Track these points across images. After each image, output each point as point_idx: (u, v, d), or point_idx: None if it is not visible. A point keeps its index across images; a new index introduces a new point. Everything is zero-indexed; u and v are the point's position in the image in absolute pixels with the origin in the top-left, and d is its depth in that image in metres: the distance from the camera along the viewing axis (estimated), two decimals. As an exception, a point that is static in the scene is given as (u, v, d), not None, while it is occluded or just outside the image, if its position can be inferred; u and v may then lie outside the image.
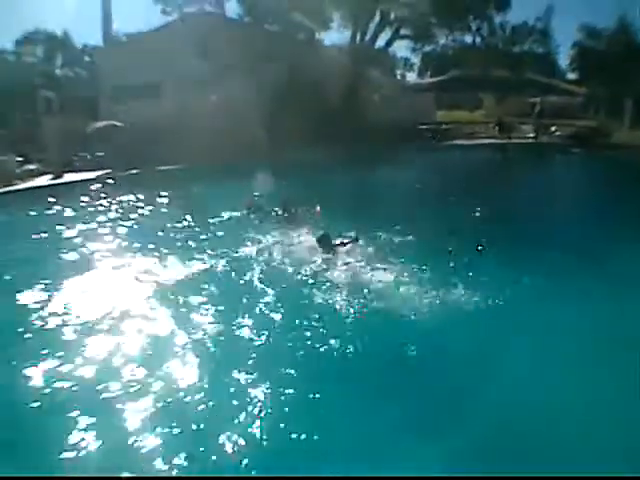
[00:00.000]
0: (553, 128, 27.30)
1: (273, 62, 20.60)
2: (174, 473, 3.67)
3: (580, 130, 25.78)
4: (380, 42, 28.26)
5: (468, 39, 31.15)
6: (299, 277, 7.16)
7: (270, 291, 6.68)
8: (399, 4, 25.54)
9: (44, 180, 16.60)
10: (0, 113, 25.57)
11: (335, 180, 15.07)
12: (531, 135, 27.17)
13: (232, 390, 4.57)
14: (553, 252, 8.02)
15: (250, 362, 4.98)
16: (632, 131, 26.12)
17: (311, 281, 6.97)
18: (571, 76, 40.48)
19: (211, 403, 4.42)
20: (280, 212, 10.25)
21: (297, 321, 5.81)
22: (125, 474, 3.73)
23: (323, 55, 25.41)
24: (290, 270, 7.42)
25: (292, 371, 4.87)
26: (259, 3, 24.78)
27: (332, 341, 5.31)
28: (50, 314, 6.02)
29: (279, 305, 6.29)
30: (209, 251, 8.28)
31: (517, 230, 9.89)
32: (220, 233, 9.50)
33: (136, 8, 31.88)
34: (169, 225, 10.01)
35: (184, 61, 20.88)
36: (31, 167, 17.87)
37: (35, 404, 4.39)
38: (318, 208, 10.33)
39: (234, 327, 5.70)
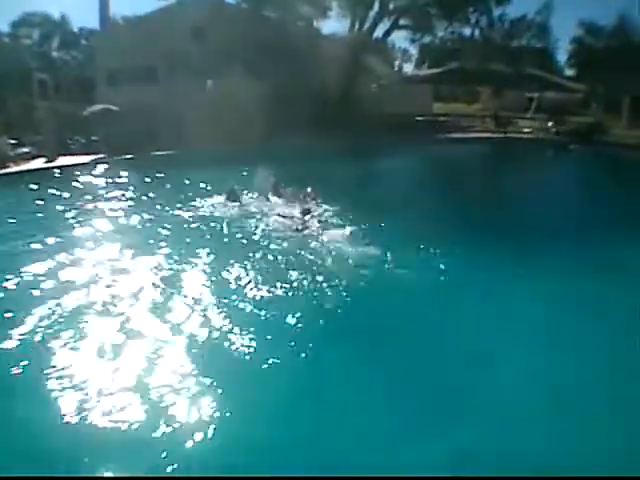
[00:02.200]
0: (550, 124, 27.27)
1: (270, 49, 20.44)
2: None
3: (578, 126, 25.76)
4: (379, 32, 28.11)
5: (467, 31, 31.06)
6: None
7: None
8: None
9: (38, 163, 16.52)
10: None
11: (323, 168, 14.77)
12: (527, 130, 27.16)
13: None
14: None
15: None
16: (629, 128, 26.17)
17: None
18: (569, 72, 40.47)
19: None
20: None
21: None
22: (125, 474, 3.69)
23: (321, 43, 25.25)
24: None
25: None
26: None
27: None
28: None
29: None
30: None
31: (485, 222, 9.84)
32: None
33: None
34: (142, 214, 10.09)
35: (181, 46, 20.75)
36: (25, 150, 17.78)
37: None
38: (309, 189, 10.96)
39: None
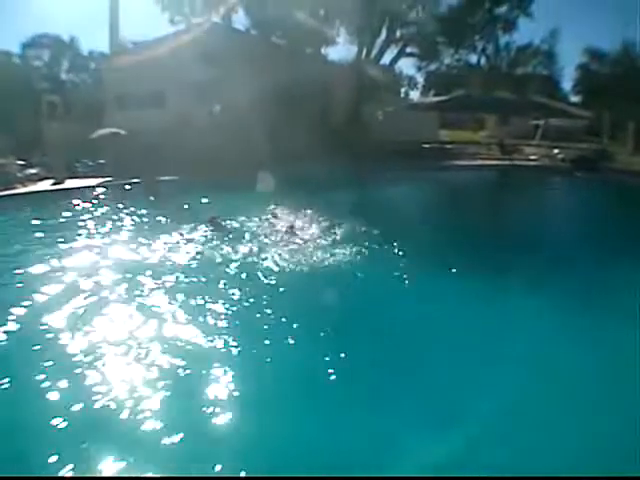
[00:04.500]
0: (556, 151, 27.33)
1: (278, 75, 20.63)
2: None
3: (583, 153, 25.79)
4: (386, 59, 28.41)
5: (473, 59, 31.35)
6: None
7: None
8: (406, 22, 25.75)
9: (46, 185, 16.55)
10: (3, 116, 25.59)
11: (326, 195, 14.80)
12: (533, 157, 27.21)
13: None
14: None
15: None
16: (635, 154, 26.20)
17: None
18: (575, 99, 40.70)
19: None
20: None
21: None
22: (125, 474, 3.70)
23: (328, 70, 25.49)
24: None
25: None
26: (266, 16, 24.87)
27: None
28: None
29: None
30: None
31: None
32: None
33: (144, 16, 31.99)
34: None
35: (189, 71, 20.93)
36: (33, 171, 17.82)
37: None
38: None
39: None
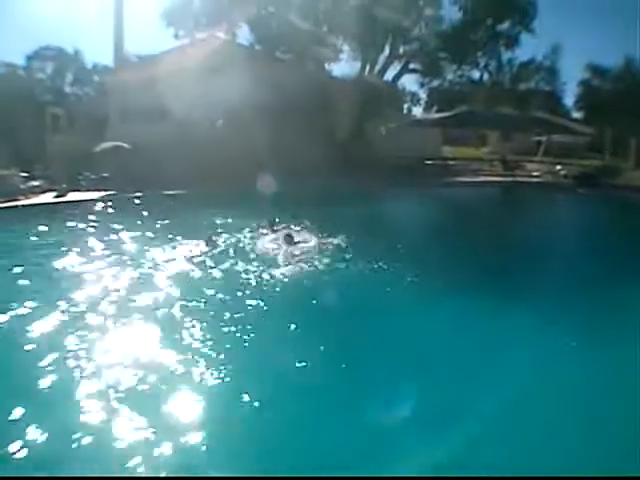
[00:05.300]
0: (558, 167, 27.36)
1: (282, 90, 20.70)
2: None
3: (586, 169, 25.82)
4: (389, 75, 28.53)
5: (475, 75, 31.44)
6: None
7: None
8: (409, 39, 25.92)
9: (48, 197, 16.56)
10: (7, 128, 25.65)
11: (329, 211, 14.70)
12: (536, 173, 27.24)
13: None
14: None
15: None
16: (637, 170, 26.21)
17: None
18: (577, 115, 40.77)
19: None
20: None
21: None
22: (125, 474, 3.69)
23: (332, 85, 25.60)
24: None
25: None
26: (270, 31, 25.03)
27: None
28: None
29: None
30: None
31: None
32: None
33: (148, 30, 32.22)
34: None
35: (193, 85, 20.99)
36: (36, 183, 17.85)
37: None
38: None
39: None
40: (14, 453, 3.92)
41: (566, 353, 5.91)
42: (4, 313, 6.47)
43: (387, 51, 27.16)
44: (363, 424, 4.50)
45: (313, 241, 10.61)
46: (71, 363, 5.29)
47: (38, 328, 6.08)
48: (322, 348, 5.72)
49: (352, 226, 12.39)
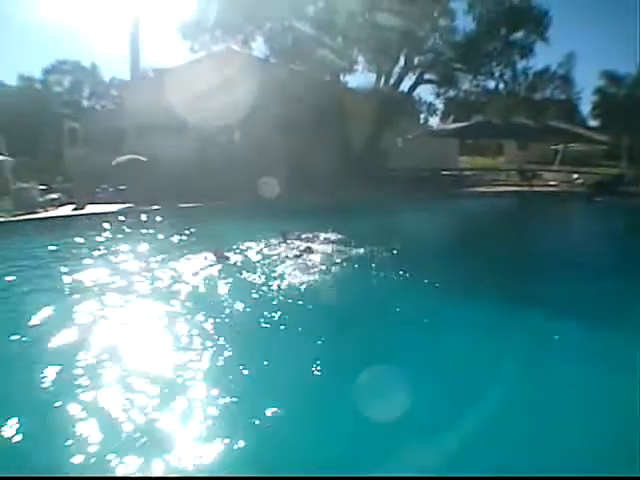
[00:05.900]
0: (575, 176, 27.13)
1: (298, 102, 20.74)
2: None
3: (603, 178, 25.56)
4: (404, 86, 28.45)
5: (491, 85, 31.27)
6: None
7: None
8: (424, 50, 25.89)
9: (67, 210, 16.70)
10: (26, 141, 25.95)
11: (342, 221, 14.60)
12: (553, 183, 27.01)
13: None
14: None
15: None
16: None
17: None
18: (593, 123, 40.53)
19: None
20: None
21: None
22: (125, 474, 3.68)
23: (348, 97, 25.64)
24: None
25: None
26: (285, 44, 25.12)
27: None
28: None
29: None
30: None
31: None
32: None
33: (164, 44, 32.50)
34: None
35: (209, 98, 21.12)
36: (54, 196, 18.02)
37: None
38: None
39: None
40: (14, 453, 3.98)
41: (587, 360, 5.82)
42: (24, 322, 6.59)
43: (402, 62, 27.10)
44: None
45: (329, 250, 10.71)
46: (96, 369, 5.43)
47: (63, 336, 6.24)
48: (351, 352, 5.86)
49: (369, 237, 12.34)
